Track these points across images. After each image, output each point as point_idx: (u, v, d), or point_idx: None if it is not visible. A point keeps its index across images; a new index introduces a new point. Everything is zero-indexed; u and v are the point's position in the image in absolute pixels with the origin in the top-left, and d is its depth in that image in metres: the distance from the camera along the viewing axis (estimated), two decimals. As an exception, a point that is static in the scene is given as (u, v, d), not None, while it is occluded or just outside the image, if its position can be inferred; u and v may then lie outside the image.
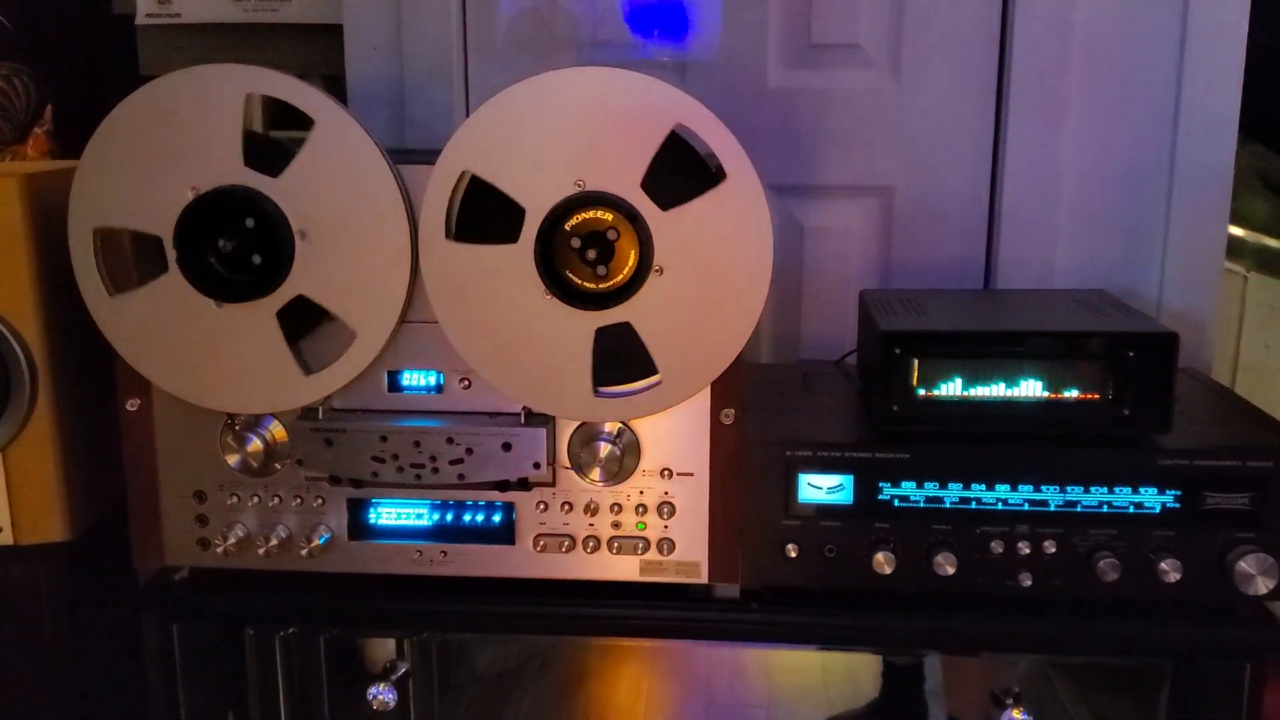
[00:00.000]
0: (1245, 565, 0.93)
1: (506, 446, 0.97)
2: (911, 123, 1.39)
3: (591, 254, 0.92)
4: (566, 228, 0.91)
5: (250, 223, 0.94)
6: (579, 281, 0.93)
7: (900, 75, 1.39)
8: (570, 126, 0.91)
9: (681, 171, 0.93)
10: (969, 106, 1.38)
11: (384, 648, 1.17)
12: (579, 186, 0.91)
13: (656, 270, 0.92)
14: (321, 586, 1.03)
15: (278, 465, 1.01)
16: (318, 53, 1.54)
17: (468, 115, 1.42)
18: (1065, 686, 1.14)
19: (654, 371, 0.95)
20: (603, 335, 0.94)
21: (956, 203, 1.41)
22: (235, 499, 1.02)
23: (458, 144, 0.92)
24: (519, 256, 0.92)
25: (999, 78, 1.38)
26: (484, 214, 0.94)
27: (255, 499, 1.02)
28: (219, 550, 1.01)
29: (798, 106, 1.40)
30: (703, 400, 0.97)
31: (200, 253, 0.94)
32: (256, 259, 0.94)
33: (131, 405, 1.00)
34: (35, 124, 1.78)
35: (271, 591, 1.04)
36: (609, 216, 0.91)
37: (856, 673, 1.46)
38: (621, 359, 0.95)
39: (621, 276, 0.93)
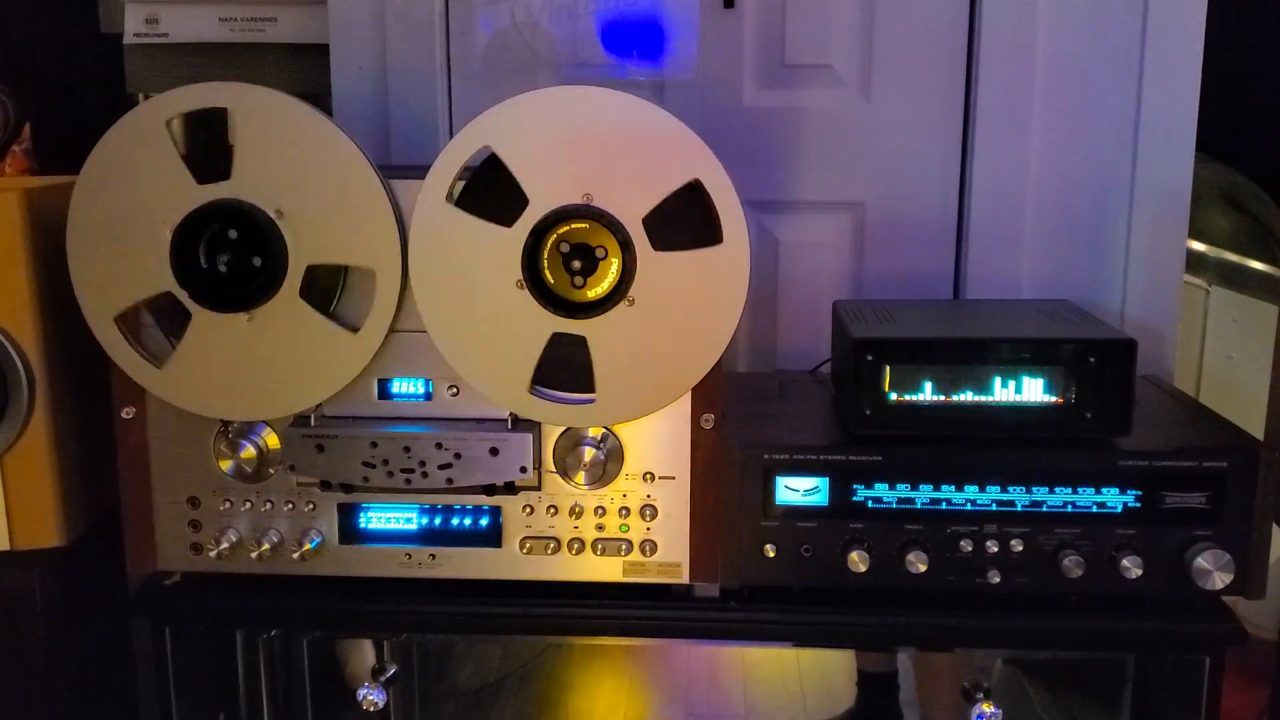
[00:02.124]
0: (1203, 562, 0.98)
1: (494, 451, 1.00)
2: (882, 140, 1.44)
3: (576, 264, 0.95)
4: (561, 231, 0.95)
5: (233, 233, 0.97)
6: (553, 284, 0.96)
7: (871, 95, 1.43)
8: (597, 142, 0.95)
9: (685, 218, 0.96)
10: (937, 125, 1.43)
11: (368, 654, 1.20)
12: (586, 199, 0.94)
13: (629, 300, 0.96)
14: (312, 590, 1.06)
15: (270, 471, 1.04)
16: (303, 72, 1.57)
17: (451, 134, 1.48)
18: (1033, 684, 1.18)
19: (592, 390, 0.98)
20: (560, 341, 0.98)
21: (926, 217, 1.45)
22: (228, 504, 1.05)
23: (487, 120, 0.95)
24: (508, 241, 0.95)
25: (966, 97, 1.42)
26: (482, 198, 0.97)
27: (247, 504, 1.05)
28: (212, 555, 1.04)
29: (772, 124, 1.44)
30: (683, 405, 1.01)
31: (208, 284, 0.98)
32: (256, 260, 0.97)
33: (126, 413, 1.03)
34: (14, 142, 1.80)
35: (262, 595, 1.06)
36: (603, 236, 0.95)
37: (833, 681, 1.49)
38: (580, 367, 0.99)
39: (594, 294, 0.96)
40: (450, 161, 0.96)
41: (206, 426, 1.03)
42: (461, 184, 0.97)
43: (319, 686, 1.16)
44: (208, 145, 0.97)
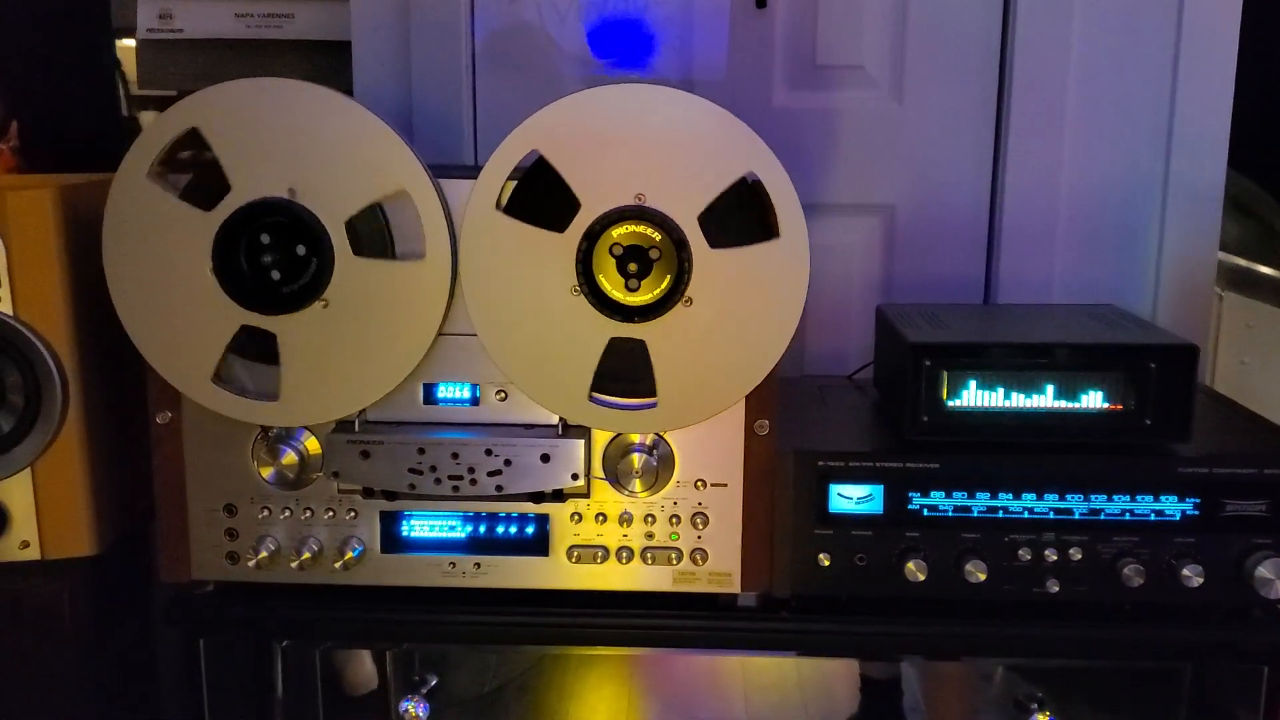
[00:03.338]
0: (1265, 570, 0.96)
1: (545, 458, 0.97)
2: (913, 142, 1.42)
3: (633, 266, 0.93)
4: (614, 234, 0.93)
5: (265, 239, 0.94)
6: (609, 288, 0.94)
7: (902, 96, 1.42)
8: (649, 141, 0.92)
9: (740, 214, 0.94)
10: (969, 127, 1.42)
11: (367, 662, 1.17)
12: (639, 200, 0.92)
13: (686, 300, 0.94)
14: (353, 600, 1.03)
15: (312, 477, 1.01)
16: (322, 69, 1.55)
17: (476, 132, 1.46)
18: (1081, 695, 1.16)
19: (654, 394, 0.96)
20: (617, 346, 0.95)
21: (957, 220, 1.44)
22: (266, 512, 1.02)
23: (535, 124, 0.93)
24: (561, 246, 0.93)
25: (998, 99, 1.41)
26: (532, 201, 0.94)
27: (286, 512, 1.02)
28: (250, 564, 1.01)
29: (802, 125, 1.43)
30: (736, 412, 0.99)
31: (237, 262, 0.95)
32: (300, 249, 0.94)
33: (162, 419, 1.00)
34: (1, 140, 1.76)
35: (301, 605, 1.03)
36: (657, 236, 0.92)
37: (834, 687, 1.47)
38: (633, 372, 0.96)
39: (651, 296, 0.94)
40: (499, 167, 0.94)
41: (245, 432, 1.00)
42: (512, 186, 0.95)
43: (339, 696, 1.13)
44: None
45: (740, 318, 0.95)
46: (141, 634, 1.05)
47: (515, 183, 0.95)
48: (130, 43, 2.42)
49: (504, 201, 0.94)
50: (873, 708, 1.40)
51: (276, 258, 0.94)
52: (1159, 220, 1.40)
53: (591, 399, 0.96)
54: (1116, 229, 1.41)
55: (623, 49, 1.43)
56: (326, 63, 1.54)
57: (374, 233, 0.96)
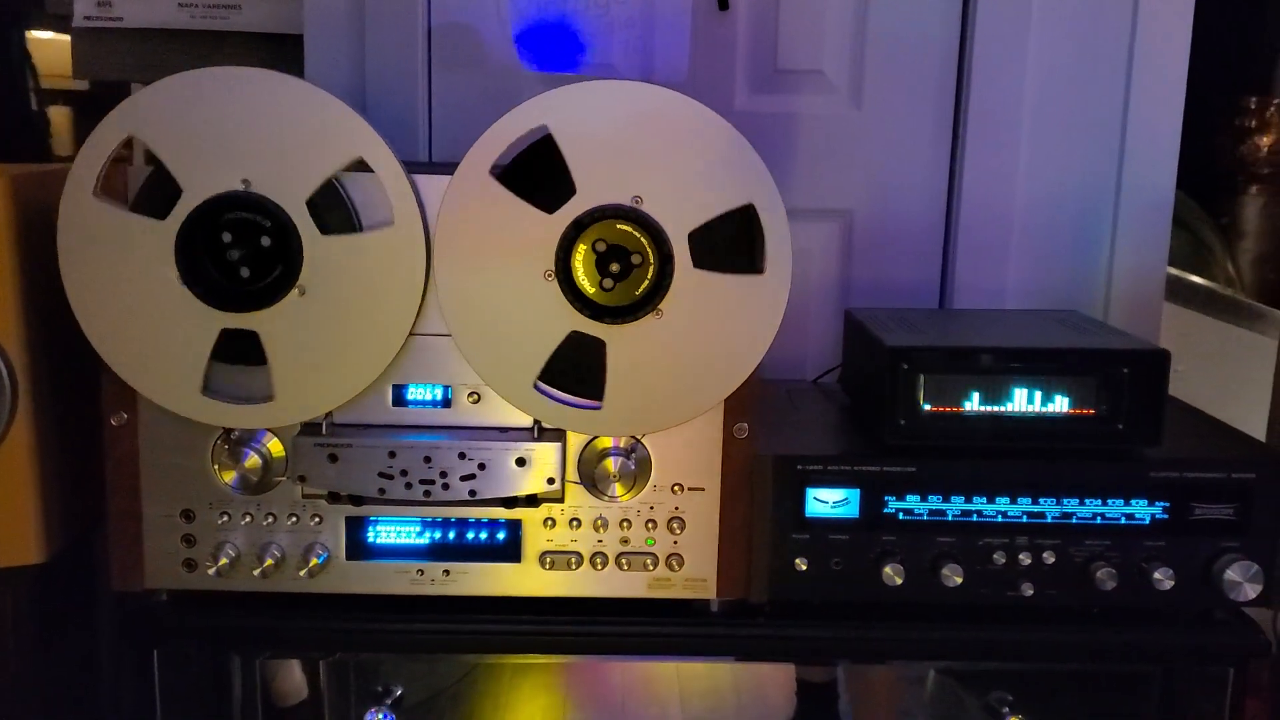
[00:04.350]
0: (1233, 573, 0.98)
1: (521, 462, 0.95)
2: (871, 148, 1.43)
3: (615, 266, 0.91)
4: (601, 229, 0.91)
5: (227, 237, 0.91)
6: (582, 282, 0.92)
7: (861, 101, 1.42)
8: (658, 145, 0.91)
9: (729, 238, 0.93)
10: (927, 133, 1.42)
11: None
12: (636, 202, 0.90)
13: (657, 312, 0.92)
14: (314, 608, 1.00)
15: (275, 481, 0.97)
16: (269, 63, 1.49)
17: (430, 128, 1.43)
18: (1049, 698, 1.17)
19: (600, 396, 0.95)
20: (576, 342, 0.93)
21: (914, 226, 1.45)
22: (225, 518, 0.98)
23: (548, 99, 0.91)
24: (546, 227, 0.91)
25: (956, 106, 1.42)
26: (526, 178, 0.92)
27: (247, 518, 0.98)
28: (210, 572, 0.97)
29: (762, 129, 1.41)
30: (715, 416, 0.98)
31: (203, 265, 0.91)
32: (265, 240, 0.91)
33: (117, 420, 0.96)
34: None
35: (260, 614, 1.00)
36: (645, 242, 0.91)
37: (770, 692, 1.47)
38: (583, 371, 0.95)
39: (623, 299, 0.92)
40: (502, 133, 0.91)
41: (203, 434, 0.97)
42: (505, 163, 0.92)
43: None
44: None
45: (707, 339, 0.94)
46: (89, 644, 1.00)
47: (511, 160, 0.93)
48: (45, 35, 2.34)
49: (497, 167, 0.92)
50: (809, 712, 1.40)
51: (243, 253, 0.91)
52: (1111, 226, 1.42)
53: (537, 388, 0.94)
54: (1070, 237, 1.42)
55: (550, 53, 1.41)
56: (275, 56, 1.50)
57: (337, 210, 0.93)
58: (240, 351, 0.93)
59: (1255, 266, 2.51)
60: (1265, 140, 2.56)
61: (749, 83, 1.42)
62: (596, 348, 0.93)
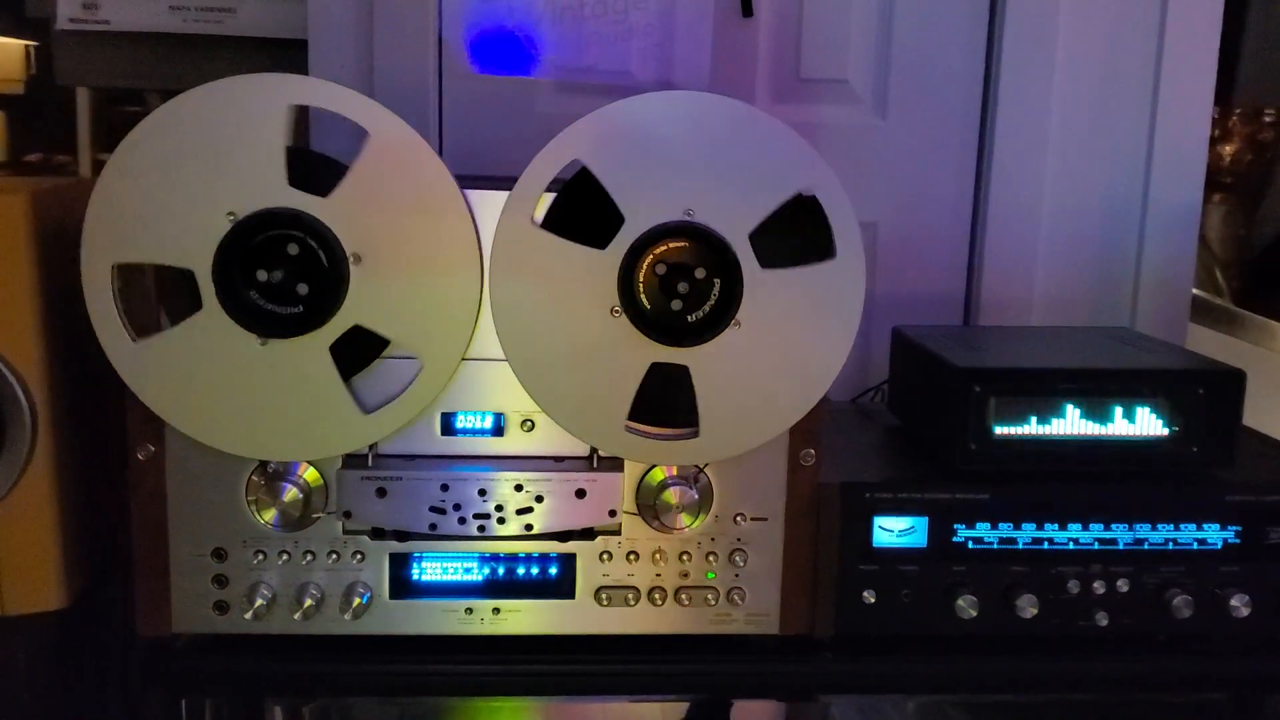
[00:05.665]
0: (1309, 599, 0.95)
1: (580, 493, 0.90)
2: (896, 159, 1.40)
3: (683, 287, 0.86)
4: (658, 251, 0.86)
5: (294, 249, 0.85)
6: (650, 309, 0.87)
7: (886, 112, 1.39)
8: (700, 154, 0.86)
9: (792, 232, 0.88)
10: (953, 145, 1.40)
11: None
12: (688, 215, 0.85)
13: (735, 323, 0.87)
14: (347, 651, 0.94)
15: (315, 516, 0.91)
16: (267, 70, 1.43)
17: (441, 138, 1.37)
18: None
19: (695, 424, 0.89)
20: (657, 372, 0.88)
21: (939, 239, 1.42)
22: (260, 557, 0.92)
23: (577, 131, 0.85)
24: (601, 263, 0.86)
25: (982, 118, 1.39)
26: (569, 216, 0.87)
27: (284, 556, 0.92)
28: (246, 615, 0.90)
29: (785, 140, 1.38)
30: (780, 442, 0.93)
31: (239, 286, 0.84)
32: (303, 288, 0.85)
33: (144, 453, 0.89)
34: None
35: (296, 658, 0.93)
36: (704, 254, 0.86)
37: None
38: (665, 400, 0.90)
39: (696, 318, 0.87)
40: (536, 178, 0.86)
41: (235, 468, 0.90)
42: (549, 199, 0.87)
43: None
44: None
45: (791, 342, 0.89)
46: (111, 694, 0.93)
47: (554, 198, 0.87)
48: (-2, 39, 2.23)
49: (540, 217, 0.87)
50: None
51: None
52: (1137, 239, 1.40)
53: (629, 429, 0.89)
54: (1097, 249, 1.41)
55: (503, 59, 1.36)
56: (273, 62, 1.43)
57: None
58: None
59: (1221, 273, 2.53)
60: (1228, 149, 2.58)
61: (771, 92, 1.38)
62: (673, 373, 0.88)
